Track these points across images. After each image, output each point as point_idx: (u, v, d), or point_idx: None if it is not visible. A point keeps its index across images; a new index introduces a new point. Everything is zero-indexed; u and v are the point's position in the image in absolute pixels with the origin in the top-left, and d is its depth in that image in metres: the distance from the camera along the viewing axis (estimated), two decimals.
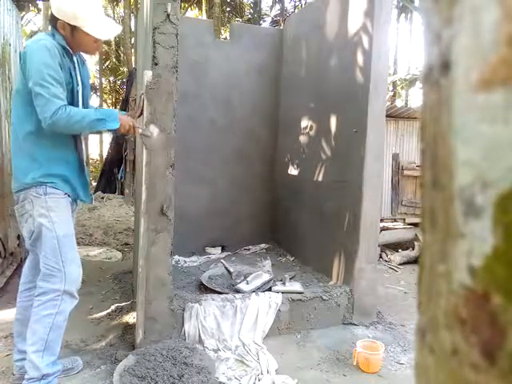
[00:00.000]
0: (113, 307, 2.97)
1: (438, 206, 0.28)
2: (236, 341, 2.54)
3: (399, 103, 12.69)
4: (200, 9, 14.57)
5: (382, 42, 2.78)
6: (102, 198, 7.82)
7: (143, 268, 2.32)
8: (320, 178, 3.41)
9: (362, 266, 2.87)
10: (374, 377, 2.30)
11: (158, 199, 2.31)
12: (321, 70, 3.42)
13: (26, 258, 2.21)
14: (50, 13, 2.00)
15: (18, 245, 3.69)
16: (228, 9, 15.08)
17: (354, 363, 2.36)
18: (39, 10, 11.93)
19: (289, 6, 15.82)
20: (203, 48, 3.92)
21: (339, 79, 3.14)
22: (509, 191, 0.23)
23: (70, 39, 1.97)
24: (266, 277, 2.99)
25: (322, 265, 3.30)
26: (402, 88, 13.37)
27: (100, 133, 2.35)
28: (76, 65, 2.03)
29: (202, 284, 2.97)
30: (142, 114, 2.27)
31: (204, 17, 13.43)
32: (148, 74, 2.22)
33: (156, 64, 2.25)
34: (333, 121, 3.24)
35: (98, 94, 14.92)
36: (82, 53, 2.14)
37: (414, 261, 4.47)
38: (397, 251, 4.63)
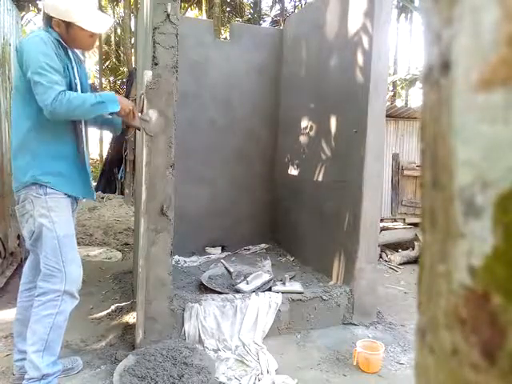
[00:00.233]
0: (113, 307, 2.97)
1: (438, 206, 0.28)
2: (236, 341, 2.54)
3: (399, 103, 12.69)
4: (200, 9, 14.57)
5: (381, 42, 2.78)
6: (102, 197, 7.82)
7: (143, 268, 2.32)
8: (320, 178, 3.41)
9: (362, 265, 2.87)
10: (374, 377, 2.30)
11: (158, 199, 2.31)
12: (321, 70, 3.42)
13: (26, 258, 2.21)
14: (43, 12, 2.01)
15: (18, 245, 3.69)
16: (228, 9, 15.08)
17: (354, 363, 2.36)
18: (39, 10, 11.93)
19: (289, 6, 15.83)
20: (203, 48, 3.92)
21: (339, 79, 3.14)
22: (509, 191, 0.23)
23: (66, 36, 1.97)
24: (265, 277, 2.99)
25: (322, 265, 3.30)
26: (402, 88, 13.38)
27: (100, 126, 2.34)
28: (72, 61, 2.02)
29: (202, 284, 2.97)
30: (141, 113, 2.26)
31: (204, 17, 13.43)
32: (148, 74, 2.22)
33: (156, 64, 2.25)
34: (333, 121, 3.24)
35: None
36: (79, 52, 2.14)
37: (414, 261, 4.47)
38: (397, 251, 4.63)
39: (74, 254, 2.03)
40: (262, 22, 15.78)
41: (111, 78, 16.96)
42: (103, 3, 14.24)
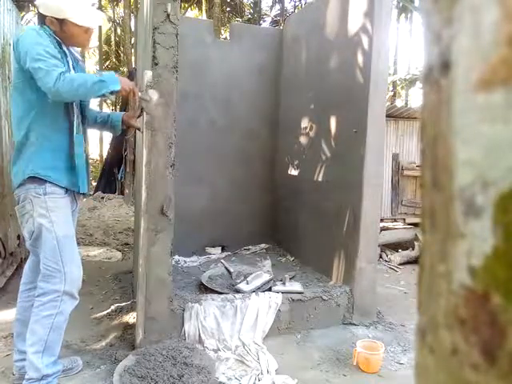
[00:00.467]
0: (113, 307, 2.97)
1: (438, 206, 0.28)
2: (236, 341, 2.54)
3: (399, 103, 12.69)
4: (200, 9, 14.57)
5: (381, 42, 2.78)
6: (102, 197, 7.82)
7: (143, 268, 2.32)
8: (320, 178, 3.41)
9: (362, 265, 2.87)
10: (373, 377, 2.30)
11: (158, 199, 2.31)
12: (321, 70, 3.42)
13: (26, 258, 2.21)
14: (37, 12, 2.01)
15: (18, 245, 3.69)
16: (228, 9, 15.08)
17: (354, 363, 2.36)
18: None
19: (289, 6, 15.82)
20: (203, 48, 3.92)
21: (339, 79, 3.14)
22: (509, 191, 0.23)
23: (61, 33, 1.98)
24: (266, 277, 2.99)
25: (322, 265, 3.30)
26: (402, 88, 13.37)
27: (101, 127, 2.33)
28: (68, 56, 2.01)
29: (202, 284, 2.97)
30: (141, 113, 2.26)
31: (204, 17, 13.43)
32: (148, 74, 2.22)
33: (156, 64, 2.25)
34: (333, 121, 3.24)
35: None
36: (78, 52, 2.13)
37: (414, 261, 4.47)
38: (397, 251, 4.63)
39: (73, 255, 2.03)
40: (262, 22, 15.77)
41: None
42: (103, 3, 14.24)
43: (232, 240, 4.12)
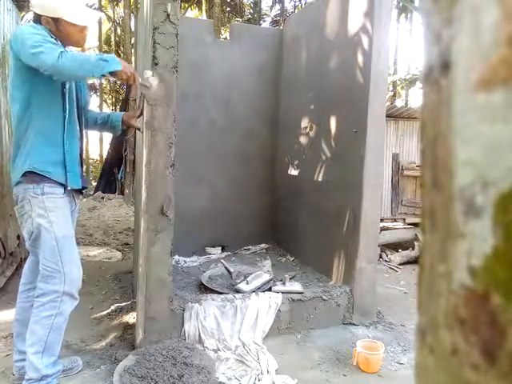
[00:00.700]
0: (113, 307, 2.97)
1: (438, 206, 0.28)
2: (236, 341, 2.54)
3: (399, 103, 12.68)
4: (200, 9, 14.57)
5: (381, 42, 2.78)
6: (102, 197, 7.82)
7: (143, 268, 2.32)
8: (320, 178, 3.41)
9: (362, 265, 2.87)
10: (373, 377, 2.30)
11: (158, 199, 2.31)
12: (321, 70, 3.42)
13: (26, 258, 2.20)
14: (32, 12, 2.02)
15: (18, 245, 3.69)
16: (228, 9, 15.08)
17: (354, 363, 2.36)
18: None
19: (289, 6, 15.81)
20: (203, 48, 3.92)
21: (339, 79, 3.14)
22: (509, 191, 0.23)
23: (57, 33, 1.98)
24: (266, 277, 2.99)
25: (322, 265, 3.30)
26: (402, 88, 13.36)
27: (101, 128, 2.33)
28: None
29: (202, 284, 2.97)
30: (141, 113, 2.26)
31: (204, 17, 13.43)
32: (148, 74, 2.22)
33: (156, 64, 2.25)
34: (333, 121, 3.24)
35: (98, 93, 14.92)
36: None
37: (414, 261, 4.47)
38: (397, 251, 4.63)
39: (73, 255, 2.02)
40: (261, 22, 15.76)
41: (111, 78, 16.94)
42: (103, 3, 14.23)
43: (232, 240, 4.12)
